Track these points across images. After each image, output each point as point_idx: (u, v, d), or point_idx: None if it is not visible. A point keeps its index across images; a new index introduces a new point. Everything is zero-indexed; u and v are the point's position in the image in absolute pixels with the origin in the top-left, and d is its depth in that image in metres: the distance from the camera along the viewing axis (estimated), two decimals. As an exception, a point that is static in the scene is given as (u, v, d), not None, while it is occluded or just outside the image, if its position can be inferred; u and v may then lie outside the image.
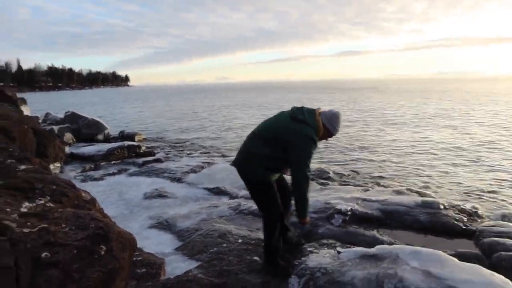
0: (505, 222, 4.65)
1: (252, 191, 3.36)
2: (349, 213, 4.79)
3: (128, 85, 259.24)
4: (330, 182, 7.36)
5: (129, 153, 10.31)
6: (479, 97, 37.75)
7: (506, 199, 6.54)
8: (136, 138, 13.88)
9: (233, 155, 10.54)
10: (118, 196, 6.38)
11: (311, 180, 6.99)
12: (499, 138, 13.37)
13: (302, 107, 3.30)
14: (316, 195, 5.81)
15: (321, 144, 11.18)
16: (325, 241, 4.01)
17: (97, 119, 14.95)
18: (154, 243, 4.37)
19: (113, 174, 8.14)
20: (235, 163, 3.38)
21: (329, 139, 3.43)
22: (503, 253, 3.61)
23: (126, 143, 10.92)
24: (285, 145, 3.10)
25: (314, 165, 9.13)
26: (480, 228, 4.38)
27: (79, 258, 2.33)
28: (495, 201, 6.37)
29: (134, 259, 3.26)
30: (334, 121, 3.24)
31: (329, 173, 8.21)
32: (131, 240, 2.91)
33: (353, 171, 8.80)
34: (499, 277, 2.75)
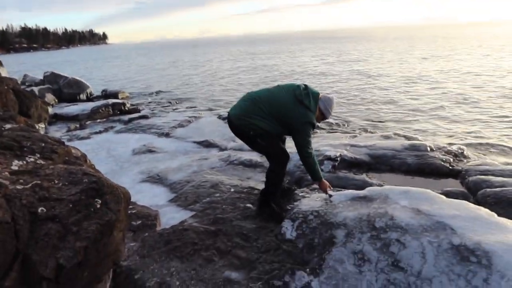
0: (490, 161, 4.79)
1: (252, 142, 3.44)
2: (338, 159, 4.86)
3: (106, 43, 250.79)
4: (318, 130, 7.42)
5: (114, 111, 10.16)
6: (467, 43, 37.59)
7: (491, 139, 6.70)
8: (120, 95, 13.61)
9: (220, 108, 10.54)
10: (106, 153, 6.34)
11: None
12: (486, 82, 13.48)
13: (307, 88, 3.37)
14: (305, 144, 5.85)
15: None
16: (316, 186, 4.08)
17: (78, 78, 14.52)
18: (148, 196, 4.40)
19: (100, 132, 8.05)
20: (232, 123, 3.43)
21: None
22: (488, 189, 3.74)
23: (111, 101, 10.72)
24: (288, 125, 3.30)
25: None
26: (466, 168, 4.51)
27: (75, 212, 2.33)
28: (481, 141, 6.51)
29: (129, 212, 3.29)
30: (330, 107, 3.42)
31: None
32: (125, 194, 2.91)
33: (341, 119, 8.84)
34: (484, 211, 2.86)
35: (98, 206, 2.54)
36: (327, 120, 8.36)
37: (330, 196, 3.41)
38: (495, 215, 2.80)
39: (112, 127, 8.44)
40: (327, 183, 3.44)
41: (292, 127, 3.29)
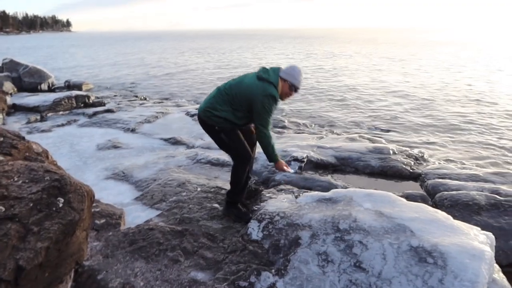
0: (448, 165, 5.03)
1: (216, 137, 3.41)
2: (305, 160, 4.94)
3: (70, 31, 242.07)
4: (285, 131, 7.50)
5: (78, 103, 9.83)
6: (424, 46, 38.97)
7: (449, 143, 7.01)
8: (84, 87, 13.20)
9: (188, 105, 10.43)
10: (69, 147, 6.14)
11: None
12: (445, 84, 14.05)
13: (268, 68, 3.36)
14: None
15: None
16: (282, 187, 4.15)
17: (39, 67, 13.94)
18: (112, 194, 4.31)
19: (62, 125, 7.77)
20: (200, 118, 3.43)
21: (294, 94, 3.42)
22: (445, 192, 3.92)
23: (74, 92, 10.35)
24: (250, 104, 3.20)
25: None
26: (426, 171, 4.71)
27: (36, 211, 2.26)
28: (440, 145, 6.81)
29: (93, 210, 3.21)
30: (295, 74, 3.27)
31: (284, 122, 8.34)
32: (88, 191, 2.84)
33: (308, 119, 8.98)
34: (441, 213, 3.00)
35: (61, 205, 2.47)
36: (294, 120, 8.56)
37: (296, 197, 3.46)
38: (451, 218, 2.95)
39: (75, 120, 8.17)
40: (283, 162, 3.36)
41: (253, 104, 3.18)
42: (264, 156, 5.00)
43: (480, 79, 15.86)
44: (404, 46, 42.60)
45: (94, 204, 3.30)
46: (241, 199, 3.58)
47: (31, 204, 2.29)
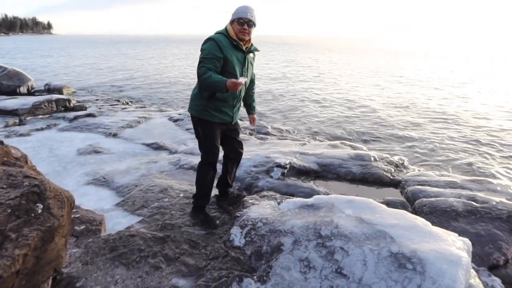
0: (427, 172, 5.13)
1: (195, 130, 3.36)
2: (288, 166, 4.97)
3: (51, 33, 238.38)
4: (269, 137, 7.53)
5: (58, 107, 9.66)
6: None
7: (429, 150, 7.16)
8: (65, 91, 12.98)
9: (170, 109, 10.38)
10: (49, 152, 6.02)
11: (250, 135, 7.06)
12: (414, 89, 14.36)
13: None
14: (256, 149, 5.94)
15: (263, 103, 11.12)
16: (265, 193, 4.16)
17: (19, 69, 13.66)
18: (93, 199, 4.25)
19: (42, 129, 7.61)
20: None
21: (249, 28, 3.07)
22: (424, 199, 4.00)
23: (54, 96, 10.17)
24: None
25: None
26: (406, 178, 4.79)
27: (14, 217, 2.21)
28: (420, 152, 6.95)
29: (72, 216, 3.16)
30: (237, 9, 3.08)
31: (267, 128, 8.38)
32: (68, 197, 2.80)
33: (291, 126, 9.04)
34: (420, 220, 3.06)
35: (40, 211, 2.43)
36: (277, 126, 8.61)
37: (279, 203, 3.47)
38: (430, 224, 3.01)
39: (55, 125, 8.02)
40: (233, 79, 2.82)
41: None
42: (247, 163, 5.06)
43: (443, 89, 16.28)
44: (364, 54, 43.36)
45: (74, 210, 3.25)
46: (204, 204, 3.50)
47: (9, 210, 2.25)
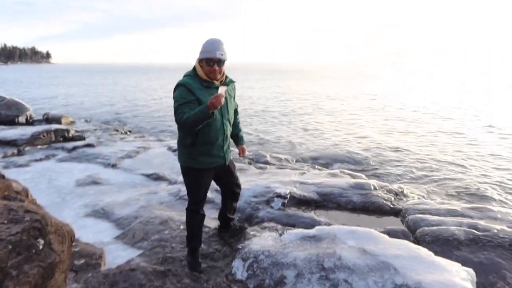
0: (427, 200, 5.13)
1: (182, 176, 3.25)
2: (288, 196, 4.96)
3: (49, 62, 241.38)
4: (268, 166, 7.54)
5: (57, 137, 9.68)
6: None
7: (428, 178, 7.17)
8: (63, 120, 13.02)
9: (169, 139, 10.41)
10: (48, 183, 6.00)
11: (249, 164, 7.07)
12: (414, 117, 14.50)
13: None
14: (255, 179, 5.94)
15: (255, 129, 11.14)
16: (266, 224, 4.14)
17: (17, 99, 13.75)
18: (92, 232, 4.20)
19: (40, 160, 7.61)
20: None
21: (219, 67, 2.89)
22: (425, 228, 3.99)
23: (53, 126, 10.22)
24: None
25: (251, 148, 9.28)
26: (406, 206, 4.79)
27: (15, 254, 2.19)
28: (419, 180, 6.96)
29: (72, 250, 3.13)
30: (205, 47, 2.86)
31: (266, 157, 8.40)
32: (69, 231, 2.78)
33: (289, 154, 9.07)
34: (423, 250, 3.05)
35: (41, 247, 2.41)
36: (276, 155, 8.63)
37: (281, 235, 3.46)
38: (433, 254, 3.00)
39: (54, 155, 8.02)
40: (212, 96, 2.65)
41: None
42: (247, 193, 5.05)
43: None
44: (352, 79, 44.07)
45: (73, 244, 3.22)
46: (195, 246, 3.32)
47: (10, 247, 2.23)
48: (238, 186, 3.54)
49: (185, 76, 2.96)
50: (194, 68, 2.96)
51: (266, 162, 7.92)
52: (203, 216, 3.34)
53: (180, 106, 2.77)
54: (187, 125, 2.76)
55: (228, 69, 2.98)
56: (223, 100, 2.68)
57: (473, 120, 14.36)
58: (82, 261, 3.33)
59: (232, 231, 3.78)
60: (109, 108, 18.99)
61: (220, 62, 2.87)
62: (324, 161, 8.53)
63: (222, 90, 2.72)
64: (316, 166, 7.85)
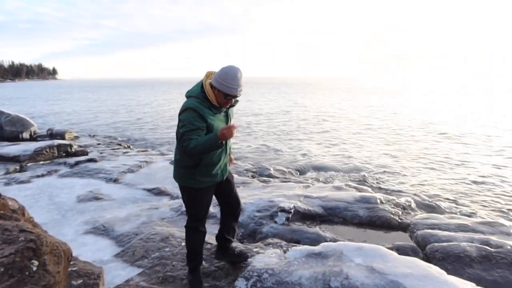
0: (436, 214, 4.98)
1: (182, 195, 3.11)
2: (292, 210, 4.84)
3: (56, 79, 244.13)
4: (271, 179, 7.43)
5: (60, 152, 9.64)
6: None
7: (436, 191, 7.01)
8: (67, 136, 13.02)
9: (172, 153, 10.34)
10: (48, 199, 5.91)
11: (252, 177, 6.96)
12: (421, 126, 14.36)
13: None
14: (259, 193, 5.83)
15: (258, 142, 11.13)
16: (270, 240, 4.01)
17: (22, 115, 13.79)
18: (91, 250, 4.10)
19: (42, 175, 7.54)
20: None
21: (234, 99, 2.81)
22: (435, 244, 3.84)
23: (56, 141, 10.19)
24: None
25: (251, 161, 9.18)
26: (414, 221, 4.65)
27: (8, 277, 2.10)
28: (427, 194, 6.80)
29: (69, 269, 3.02)
30: (223, 78, 2.68)
31: (270, 170, 8.29)
32: (65, 251, 2.69)
33: (293, 166, 8.96)
34: (434, 268, 2.91)
35: (35, 268, 2.31)
36: (279, 168, 8.53)
37: (285, 252, 3.33)
38: (445, 273, 2.86)
39: (56, 171, 7.96)
40: (224, 127, 2.58)
41: None
42: (251, 207, 4.93)
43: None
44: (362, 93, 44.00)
45: (71, 263, 3.11)
46: (196, 265, 3.19)
47: (2, 269, 2.13)
48: (238, 202, 3.32)
49: (191, 96, 2.80)
50: (202, 88, 2.81)
51: (270, 175, 7.81)
52: (205, 233, 3.20)
53: (188, 132, 2.64)
54: (194, 153, 2.65)
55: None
56: (235, 132, 2.59)
57: (482, 131, 14.19)
58: (80, 281, 3.21)
59: (234, 256, 3.47)
60: (113, 123, 19.02)
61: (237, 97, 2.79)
62: (328, 174, 8.40)
63: (234, 122, 2.68)
64: (321, 179, 7.72)
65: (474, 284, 2.73)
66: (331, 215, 4.91)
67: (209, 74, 2.85)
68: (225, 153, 3.00)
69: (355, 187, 6.25)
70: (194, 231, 3.11)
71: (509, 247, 3.59)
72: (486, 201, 6.47)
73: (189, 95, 2.83)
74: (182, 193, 3.05)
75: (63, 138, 12.33)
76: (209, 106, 2.75)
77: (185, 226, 3.15)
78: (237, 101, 2.95)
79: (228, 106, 2.84)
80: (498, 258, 3.47)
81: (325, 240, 4.06)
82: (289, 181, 7.22)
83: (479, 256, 3.52)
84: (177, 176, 2.99)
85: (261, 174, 7.93)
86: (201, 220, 3.09)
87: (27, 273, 2.23)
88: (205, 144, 2.59)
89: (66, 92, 60.80)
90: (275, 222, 4.64)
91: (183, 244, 3.95)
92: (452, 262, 3.51)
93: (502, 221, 4.56)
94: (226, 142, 2.91)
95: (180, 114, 2.76)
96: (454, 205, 6.10)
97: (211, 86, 2.75)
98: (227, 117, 2.96)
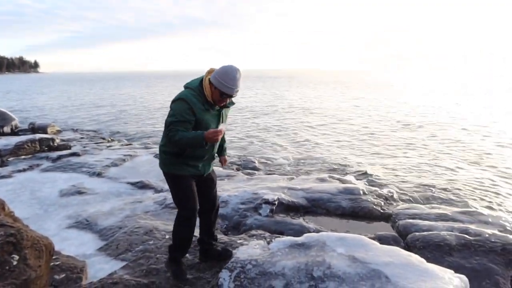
0: (417, 205, 5.08)
1: (167, 183, 3.11)
2: (276, 202, 4.88)
3: (37, 72, 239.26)
4: (256, 172, 7.45)
5: (42, 146, 9.47)
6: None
7: (418, 182, 7.13)
8: (49, 130, 12.79)
9: (156, 146, 10.27)
10: (30, 194, 5.82)
11: (237, 170, 6.98)
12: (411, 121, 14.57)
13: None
14: (243, 186, 5.85)
15: (242, 135, 11.09)
16: (254, 232, 4.04)
17: (3, 109, 13.50)
18: (74, 244, 4.07)
19: (24, 170, 7.41)
20: None
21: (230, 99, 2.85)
22: (416, 233, 3.93)
23: (38, 135, 10.00)
24: None
25: (236, 154, 9.19)
26: (396, 211, 4.73)
27: (-14, 271, 2.07)
28: (409, 184, 6.91)
29: (52, 264, 2.99)
30: (221, 76, 2.72)
31: (254, 162, 8.31)
32: (47, 245, 2.66)
33: (278, 159, 8.99)
34: (415, 257, 2.97)
35: (15, 263, 2.29)
36: (264, 161, 8.55)
37: (269, 243, 3.36)
38: (425, 261, 2.92)
39: (38, 165, 7.83)
40: (211, 130, 2.63)
41: None
42: (235, 200, 4.95)
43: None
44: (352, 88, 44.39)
45: (54, 257, 3.09)
46: (179, 257, 3.19)
47: (-19, 264, 2.11)
48: (215, 203, 3.28)
49: (188, 88, 2.82)
50: (201, 82, 2.82)
51: (254, 168, 7.84)
52: (194, 222, 3.09)
53: (175, 123, 2.67)
54: (179, 145, 2.71)
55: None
56: (220, 138, 2.63)
57: (465, 124, 14.46)
58: (63, 275, 3.19)
59: (216, 250, 3.41)
60: (97, 117, 18.75)
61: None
62: (313, 167, 8.46)
63: (222, 126, 2.69)
64: (305, 171, 7.77)
65: (453, 272, 2.80)
66: (315, 207, 4.96)
67: (211, 71, 2.87)
68: (211, 152, 3.02)
69: (338, 179, 6.32)
70: (185, 222, 3.05)
71: (487, 235, 3.69)
72: (466, 191, 6.61)
73: (186, 86, 2.86)
74: (167, 181, 3.05)
75: (46, 132, 12.11)
76: (203, 101, 2.77)
77: (176, 217, 3.10)
78: (232, 102, 2.98)
79: (222, 104, 2.84)
80: (477, 246, 3.56)
81: (308, 231, 4.11)
82: (273, 174, 7.26)
83: (458, 245, 3.61)
84: (161, 163, 3.02)
85: (246, 167, 7.94)
86: (192, 209, 3.01)
87: (7, 267, 2.21)
88: (190, 140, 2.63)
89: (49, 85, 59.67)
90: (259, 214, 4.67)
91: (168, 237, 3.96)
92: (432, 250, 3.60)
93: (480, 210, 4.69)
94: (212, 145, 2.94)
95: (172, 102, 2.78)
96: (435, 195, 6.20)
97: (210, 82, 2.78)
98: (219, 116, 2.95)
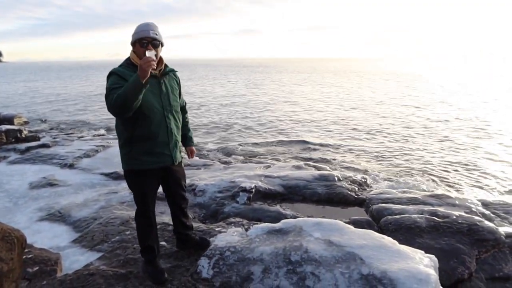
0: (390, 189, 5.23)
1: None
2: (253, 190, 4.91)
3: (0, 61, 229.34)
4: (233, 161, 7.46)
5: (8, 138, 9.13)
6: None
7: (390, 167, 7.33)
8: (16, 121, 12.33)
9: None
10: (-3, 187, 5.63)
11: (214, 159, 6.96)
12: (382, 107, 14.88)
13: None
14: (220, 174, 5.85)
15: (219, 123, 11.03)
16: (232, 219, 4.06)
17: (-36, 100, 12.93)
18: (47, 237, 3.98)
19: (-10, 163, 7.16)
20: None
21: (155, 49, 2.59)
22: (389, 217, 4.05)
23: (4, 127, 9.64)
24: None
25: (214, 145, 9.17)
26: (369, 196, 4.86)
27: (-45, 265, 2.01)
28: (382, 169, 7.10)
29: (24, 257, 2.93)
30: (136, 30, 2.63)
31: (231, 151, 8.32)
32: (19, 237, 2.60)
33: (254, 148, 9.02)
34: (388, 239, 3.08)
35: (-14, 256, 2.23)
36: (241, 149, 8.57)
37: (247, 230, 3.39)
38: (397, 243, 3.03)
39: (5, 157, 7.56)
40: (140, 61, 2.35)
41: None
42: (212, 188, 4.96)
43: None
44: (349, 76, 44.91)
45: (26, 250, 3.01)
46: (151, 258, 2.95)
47: (-50, 258, 2.04)
48: (184, 198, 3.11)
49: (119, 66, 2.67)
50: (128, 58, 2.69)
51: (231, 157, 7.84)
52: (153, 221, 2.95)
53: (112, 91, 2.45)
54: (119, 102, 2.37)
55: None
56: (153, 63, 2.32)
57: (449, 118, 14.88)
58: (36, 268, 3.13)
59: (194, 240, 3.31)
60: (65, 107, 18.22)
61: (155, 42, 2.59)
62: (289, 154, 8.54)
63: (150, 54, 2.37)
64: (281, 159, 7.84)
65: (423, 252, 2.92)
66: (291, 194, 5.03)
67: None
68: (167, 128, 2.74)
69: (314, 166, 6.42)
70: (143, 220, 2.90)
71: (454, 217, 3.84)
72: (436, 176, 6.86)
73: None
74: (126, 179, 2.85)
75: (12, 124, 11.68)
76: (133, 70, 2.53)
77: (135, 215, 2.95)
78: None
79: (154, 66, 2.39)
80: (445, 227, 3.70)
81: (285, 217, 4.16)
82: (250, 162, 7.29)
83: (428, 227, 3.75)
84: (121, 160, 2.80)
85: (222, 155, 7.95)
86: (147, 209, 2.87)
87: (-22, 261, 2.15)
88: (126, 89, 2.34)
89: (12, 75, 57.37)
90: (237, 202, 4.69)
91: (144, 226, 3.91)
92: (404, 233, 3.72)
93: (448, 193, 4.87)
94: (163, 116, 2.70)
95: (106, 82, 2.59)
96: (407, 179, 6.40)
97: (132, 51, 2.66)
98: (161, 87, 2.70)
